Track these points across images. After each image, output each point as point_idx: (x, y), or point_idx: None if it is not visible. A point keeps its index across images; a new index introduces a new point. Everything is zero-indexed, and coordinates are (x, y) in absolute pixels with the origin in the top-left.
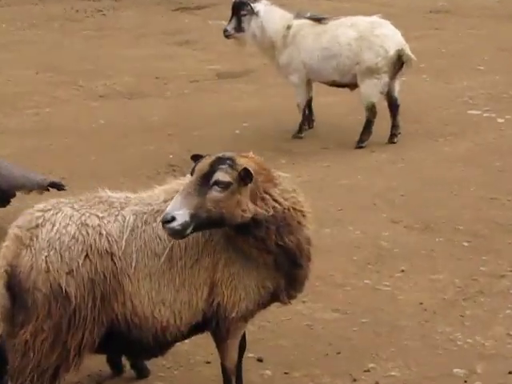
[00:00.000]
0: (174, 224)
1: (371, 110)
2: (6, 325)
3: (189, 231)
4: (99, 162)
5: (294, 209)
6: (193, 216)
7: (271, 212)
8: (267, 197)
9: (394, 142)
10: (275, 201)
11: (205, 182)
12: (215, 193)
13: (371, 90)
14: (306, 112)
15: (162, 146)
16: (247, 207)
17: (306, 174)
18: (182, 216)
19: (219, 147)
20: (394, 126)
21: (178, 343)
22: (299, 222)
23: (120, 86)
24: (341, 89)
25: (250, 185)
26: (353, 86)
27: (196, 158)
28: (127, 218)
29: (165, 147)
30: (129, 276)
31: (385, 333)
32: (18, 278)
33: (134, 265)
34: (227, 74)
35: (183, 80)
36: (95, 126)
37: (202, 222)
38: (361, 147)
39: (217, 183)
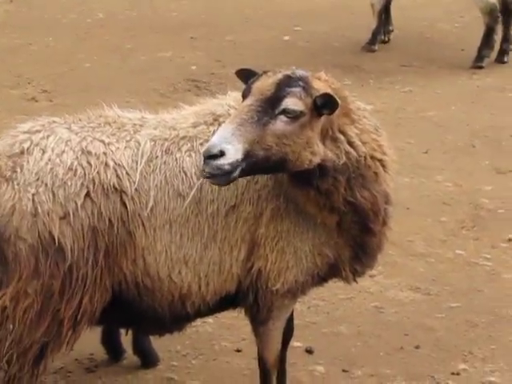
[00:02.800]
0: (223, 161)
1: (491, 14)
2: None
3: (236, 174)
4: (95, 71)
5: (373, 157)
6: (247, 153)
7: (343, 159)
8: (341, 137)
9: (505, 62)
10: (350, 144)
11: (267, 108)
12: (281, 124)
13: None
14: (383, 17)
15: (182, 53)
16: (318, 148)
17: (378, 101)
18: (233, 151)
19: (262, 59)
20: (506, 39)
21: (199, 319)
22: (377, 174)
23: None
24: None
25: (322, 118)
26: None
27: (244, 73)
28: (142, 145)
29: (186, 55)
30: (142, 223)
31: (482, 324)
32: None
33: (149, 207)
34: None
35: None
36: (90, 21)
37: (255, 164)
38: (480, 67)
39: (285, 112)
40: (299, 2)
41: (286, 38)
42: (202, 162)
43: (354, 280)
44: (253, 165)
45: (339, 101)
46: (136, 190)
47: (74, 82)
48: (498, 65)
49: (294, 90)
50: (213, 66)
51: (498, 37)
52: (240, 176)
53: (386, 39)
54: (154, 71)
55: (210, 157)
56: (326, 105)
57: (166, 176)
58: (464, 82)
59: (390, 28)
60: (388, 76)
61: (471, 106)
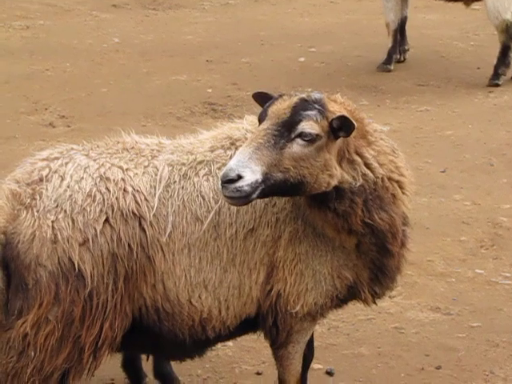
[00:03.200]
0: (241, 184)
1: (506, 31)
2: None
3: (255, 196)
4: (112, 96)
5: (390, 179)
6: (265, 175)
7: (360, 181)
8: (358, 159)
9: None
10: (367, 166)
11: (284, 131)
12: (298, 147)
13: (501, 2)
14: (398, 36)
15: (198, 77)
16: (335, 171)
17: (395, 120)
18: (251, 174)
19: (278, 81)
20: None
21: (220, 344)
22: (394, 196)
23: None
24: (451, 3)
25: (338, 141)
26: None
27: (260, 97)
28: (160, 170)
29: (202, 78)
30: (161, 248)
31: (503, 343)
32: (15, 250)
33: (168, 232)
34: None
35: None
36: (106, 46)
37: (273, 186)
38: (496, 85)
39: (302, 135)
40: (314, 23)
41: (302, 59)
42: (221, 187)
43: (374, 302)
44: (270, 187)
45: (355, 123)
46: (154, 215)
47: (91, 107)
48: None
49: (309, 113)
50: (229, 89)
51: None
52: (258, 197)
53: (402, 59)
54: (171, 95)
55: (229, 181)
56: (342, 127)
57: (183, 201)
58: (481, 101)
59: (406, 47)
60: (404, 95)
61: (488, 125)
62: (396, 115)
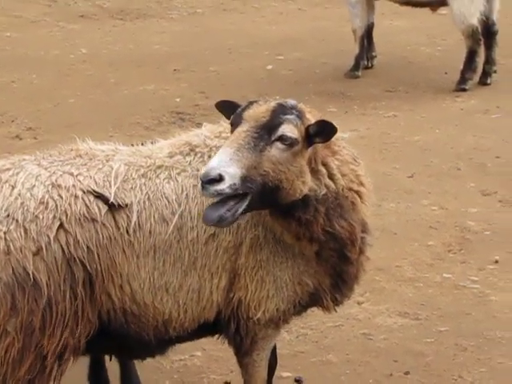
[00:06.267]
0: (222, 187)
1: (473, 36)
2: None
3: (240, 211)
4: (79, 107)
5: (350, 189)
6: (244, 179)
7: (323, 190)
8: (323, 170)
9: (488, 84)
10: (331, 177)
11: (264, 134)
12: (277, 151)
13: (467, 7)
14: (365, 42)
15: (166, 86)
16: (308, 178)
17: (363, 126)
18: (232, 175)
19: (246, 89)
20: (488, 61)
21: (185, 353)
22: (354, 203)
23: (108, 0)
24: (417, 9)
25: (309, 149)
26: (436, 4)
27: (223, 106)
28: (115, 167)
29: (169, 87)
30: (123, 249)
31: (471, 347)
32: None
33: (132, 227)
34: None
35: None
36: (74, 56)
37: (254, 192)
38: (463, 89)
39: (282, 138)
40: (281, 30)
41: (270, 67)
42: (201, 188)
43: (334, 309)
44: (253, 193)
45: (337, 126)
46: (110, 210)
47: (59, 118)
48: (481, 87)
49: (289, 117)
50: (197, 98)
51: (480, 59)
52: (244, 212)
53: (370, 65)
54: (138, 105)
55: (209, 181)
56: (321, 132)
57: (149, 197)
58: (448, 106)
59: (373, 54)
60: (372, 101)
61: (456, 129)
62: (364, 121)
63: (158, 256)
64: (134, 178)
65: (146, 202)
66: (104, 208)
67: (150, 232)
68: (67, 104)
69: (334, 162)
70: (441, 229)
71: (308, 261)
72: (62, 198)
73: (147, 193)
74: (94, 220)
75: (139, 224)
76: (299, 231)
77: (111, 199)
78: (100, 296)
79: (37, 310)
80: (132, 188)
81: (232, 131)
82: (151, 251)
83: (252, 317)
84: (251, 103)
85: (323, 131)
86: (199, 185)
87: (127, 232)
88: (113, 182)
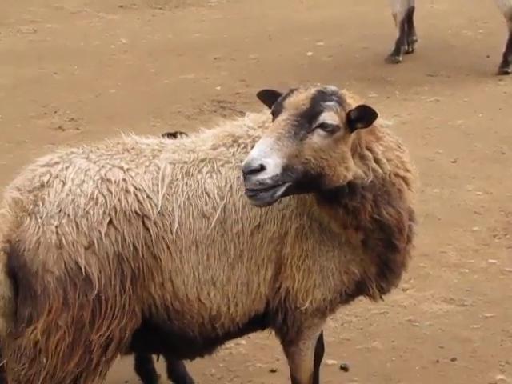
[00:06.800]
0: (264, 176)
1: None
2: (5, 320)
3: (279, 193)
4: (120, 97)
5: (397, 175)
6: (286, 167)
7: (370, 177)
8: (369, 155)
9: None
10: (377, 161)
11: (304, 122)
12: (318, 138)
13: None
14: (405, 27)
15: (207, 74)
16: (351, 164)
17: (404, 112)
18: (273, 165)
19: (286, 76)
20: None
21: (232, 341)
22: (400, 191)
23: None
24: None
25: (352, 134)
26: None
27: (265, 95)
28: (162, 168)
29: (210, 76)
30: (168, 246)
31: None
32: (21, 259)
33: (175, 229)
34: None
35: None
36: (114, 47)
37: (295, 180)
38: (506, 73)
39: (323, 126)
40: (321, 16)
41: (310, 53)
42: (243, 179)
43: (381, 297)
44: (293, 180)
45: (378, 112)
46: (159, 212)
47: (100, 108)
48: None
49: (329, 104)
50: (237, 86)
51: None
52: (283, 195)
53: (410, 49)
54: (179, 94)
55: (251, 172)
56: (362, 118)
57: (188, 197)
58: (491, 89)
59: (414, 38)
60: (413, 86)
61: (499, 113)
62: (406, 106)
63: (200, 251)
64: (177, 179)
65: (186, 202)
66: (157, 207)
67: (189, 229)
68: (108, 94)
69: (378, 148)
70: (485, 214)
71: (354, 249)
72: (111, 193)
73: (187, 193)
74: (145, 217)
75: (179, 223)
76: (346, 219)
77: (159, 208)
78: (142, 293)
79: (87, 305)
80: (175, 192)
81: (273, 120)
82: (193, 246)
83: (299, 307)
84: (292, 91)
85: (364, 116)
86: (241, 176)
87: (171, 231)
88: (160, 186)
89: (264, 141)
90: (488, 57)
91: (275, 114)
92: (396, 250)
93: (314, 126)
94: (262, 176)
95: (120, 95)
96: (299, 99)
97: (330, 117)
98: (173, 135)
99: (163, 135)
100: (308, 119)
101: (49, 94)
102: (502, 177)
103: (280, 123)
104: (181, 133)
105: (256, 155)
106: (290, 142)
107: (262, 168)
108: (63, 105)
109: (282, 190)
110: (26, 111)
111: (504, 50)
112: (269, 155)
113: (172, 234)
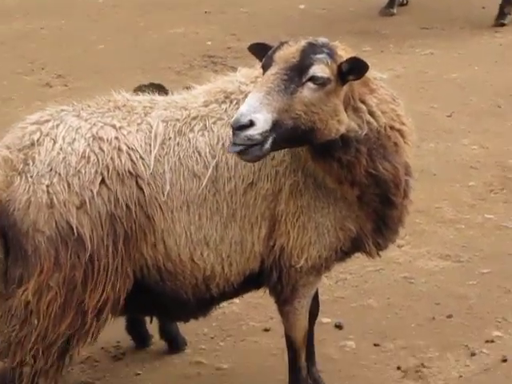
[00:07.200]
0: (253, 132)
1: None
2: None
3: (267, 147)
4: (109, 52)
5: (392, 127)
6: (276, 123)
7: (365, 129)
8: (363, 107)
9: None
10: (371, 114)
11: (294, 76)
12: (309, 91)
13: None
14: None
15: (197, 29)
16: (344, 117)
17: (399, 65)
18: (263, 121)
19: (278, 29)
20: None
21: (226, 302)
22: (396, 145)
23: None
24: None
25: (344, 87)
26: None
27: (256, 48)
28: (155, 127)
29: (200, 30)
30: (160, 206)
31: None
32: (11, 218)
33: (166, 190)
34: None
35: None
36: (102, 1)
37: (284, 135)
38: (502, 24)
39: (313, 79)
40: None
41: (302, 6)
42: (232, 134)
43: (377, 254)
44: (283, 135)
45: (369, 64)
46: (152, 173)
47: (88, 64)
48: None
49: (320, 56)
50: (228, 40)
51: None
52: (271, 149)
53: (405, 2)
54: (169, 49)
55: (240, 127)
56: (353, 69)
57: (180, 157)
58: (486, 41)
59: None
60: (408, 40)
61: (495, 66)
62: (400, 60)
63: (192, 211)
64: (170, 138)
65: (177, 163)
66: (149, 168)
67: (180, 190)
68: (96, 50)
69: (372, 100)
70: (481, 168)
71: (350, 206)
72: (103, 151)
73: (179, 153)
74: (139, 176)
75: (171, 184)
76: (341, 174)
77: (151, 169)
78: (134, 254)
79: (79, 265)
80: (166, 153)
81: (263, 74)
82: (184, 206)
83: (294, 264)
84: (282, 44)
85: (355, 68)
86: (230, 132)
87: (162, 193)
88: (153, 145)
89: (253, 95)
90: (484, 8)
91: (265, 68)
92: (393, 206)
93: (304, 80)
94: (251, 132)
95: (108, 50)
96: (289, 52)
97: (320, 69)
98: (148, 87)
99: (136, 89)
100: (298, 72)
101: (36, 49)
102: (498, 131)
103: (269, 77)
104: (157, 85)
105: (245, 110)
106: (280, 96)
107: (251, 124)
108: (51, 61)
109: (270, 141)
110: (13, 67)
111: (500, 1)
112: (258, 110)
113: (164, 195)
